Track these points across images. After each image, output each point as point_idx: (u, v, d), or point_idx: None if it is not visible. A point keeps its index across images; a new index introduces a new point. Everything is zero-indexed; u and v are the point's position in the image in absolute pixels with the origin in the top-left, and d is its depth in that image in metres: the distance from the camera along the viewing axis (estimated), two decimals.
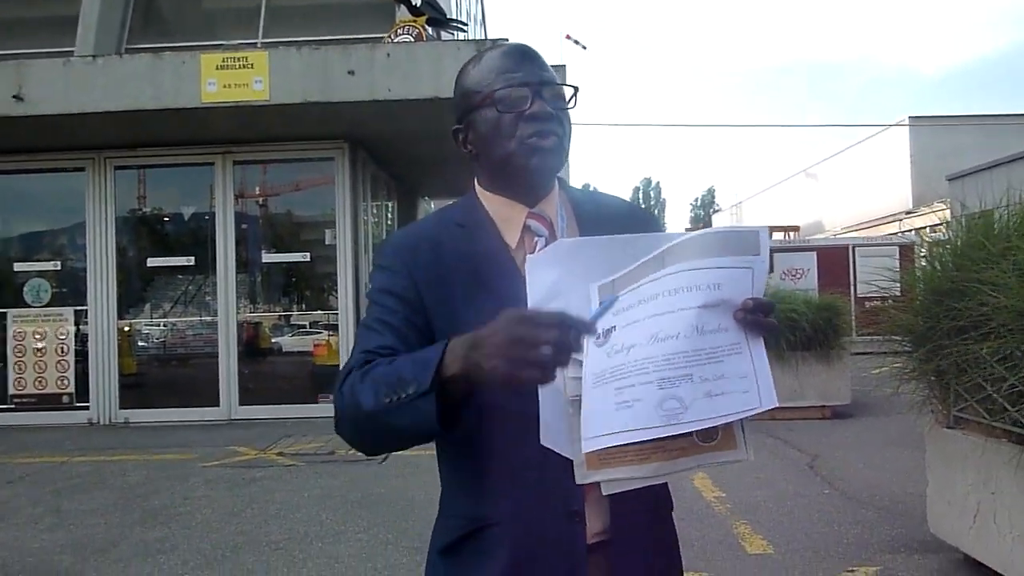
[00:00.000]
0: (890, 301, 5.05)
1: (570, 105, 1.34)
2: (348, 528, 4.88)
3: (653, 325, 1.07)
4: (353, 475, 6.16)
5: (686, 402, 1.05)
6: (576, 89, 1.35)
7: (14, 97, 8.08)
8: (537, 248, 1.30)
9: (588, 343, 1.09)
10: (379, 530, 4.80)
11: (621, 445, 1.09)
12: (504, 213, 1.34)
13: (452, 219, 1.37)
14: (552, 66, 1.38)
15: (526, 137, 1.28)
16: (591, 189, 1.59)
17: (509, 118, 1.28)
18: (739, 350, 1.09)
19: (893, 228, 21.76)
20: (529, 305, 1.15)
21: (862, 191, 26.70)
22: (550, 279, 1.15)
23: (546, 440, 1.14)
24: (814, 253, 16.36)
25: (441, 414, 1.09)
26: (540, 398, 1.13)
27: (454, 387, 1.09)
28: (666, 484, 1.40)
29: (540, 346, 1.00)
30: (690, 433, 1.10)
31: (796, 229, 23.72)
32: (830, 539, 4.46)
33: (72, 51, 9.70)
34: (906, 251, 14.33)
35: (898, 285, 5.15)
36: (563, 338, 1.02)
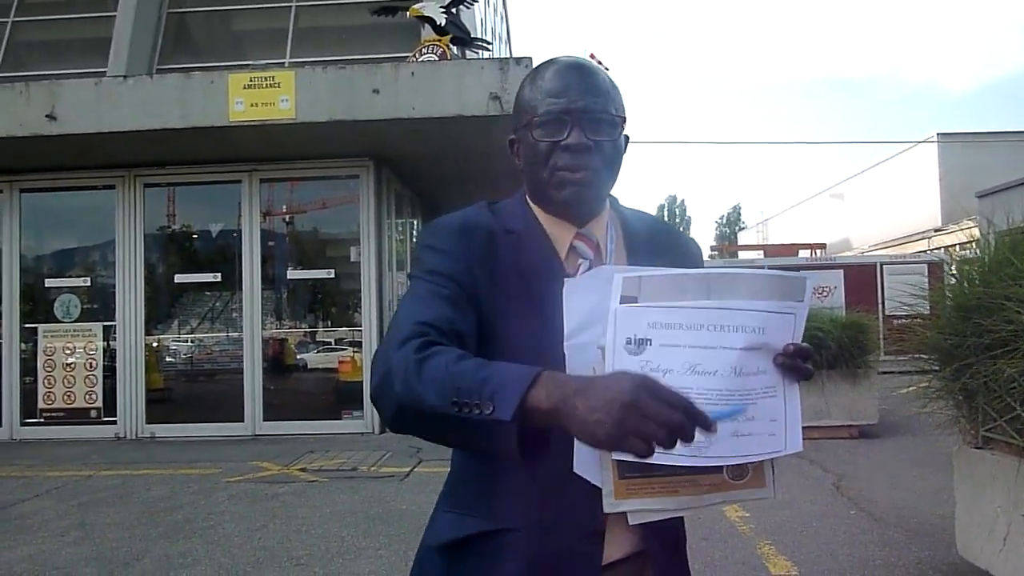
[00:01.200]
0: (918, 320, 4.98)
1: (614, 137, 1.29)
2: (369, 544, 4.88)
3: (693, 356, 1.07)
4: (375, 491, 6.17)
5: (712, 438, 1.05)
6: (623, 120, 1.31)
7: (47, 116, 8.26)
8: (580, 271, 1.29)
9: (616, 350, 1.06)
10: (400, 546, 4.79)
11: (649, 476, 1.11)
12: (554, 230, 1.33)
13: (504, 224, 1.33)
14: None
15: (558, 168, 1.27)
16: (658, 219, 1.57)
17: (545, 146, 1.27)
18: (773, 393, 1.11)
19: (922, 246, 21.51)
20: (566, 330, 1.14)
21: (890, 208, 26.45)
22: (587, 305, 1.15)
23: (579, 468, 1.14)
24: (841, 271, 16.20)
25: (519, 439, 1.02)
26: None
27: (532, 419, 1.01)
28: (681, 518, 1.40)
29: (661, 426, 0.94)
30: (721, 470, 1.14)
31: (823, 247, 23.53)
32: (856, 561, 4.38)
33: (104, 71, 9.91)
34: (935, 269, 14.16)
35: (927, 303, 5.08)
36: (683, 425, 0.95)
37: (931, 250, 18.94)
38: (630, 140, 1.41)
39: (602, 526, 1.23)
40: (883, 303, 13.71)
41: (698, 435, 1.00)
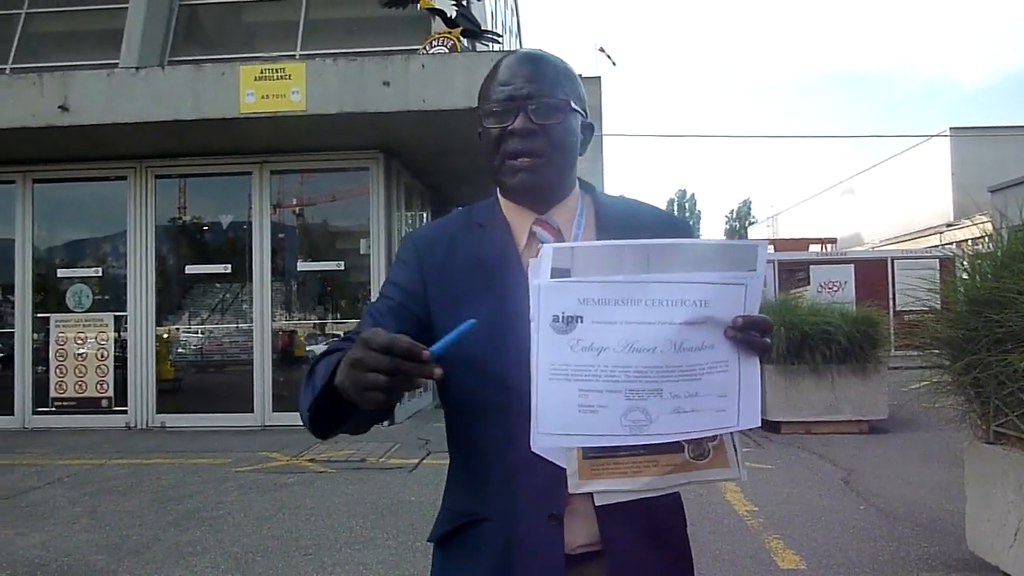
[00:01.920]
0: (929, 314, 4.96)
1: (560, 120, 1.29)
2: (377, 535, 4.90)
3: (630, 333, 1.04)
4: (383, 482, 6.19)
5: (652, 415, 1.05)
6: (569, 102, 1.31)
7: (60, 107, 8.30)
8: (540, 254, 1.30)
9: (541, 328, 1.05)
10: (408, 537, 4.81)
11: (613, 456, 1.10)
12: (515, 217, 1.36)
13: (474, 218, 1.39)
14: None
15: (508, 155, 1.29)
16: (631, 199, 1.56)
17: (495, 132, 1.30)
18: (724, 368, 1.07)
19: (933, 241, 21.39)
20: (531, 309, 1.12)
21: (902, 203, 26.32)
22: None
23: (539, 448, 1.10)
24: (851, 266, 16.16)
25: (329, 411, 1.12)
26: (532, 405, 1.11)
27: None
28: (678, 498, 1.37)
29: (373, 371, 0.99)
30: (682, 450, 1.11)
31: (833, 241, 23.45)
32: (865, 556, 4.37)
33: (116, 63, 9.94)
34: (947, 264, 14.07)
35: (938, 298, 5.05)
36: (395, 365, 0.98)
37: (943, 245, 18.83)
38: (593, 129, 1.42)
39: (560, 510, 1.23)
40: (894, 298, 13.67)
41: (638, 413, 1.03)
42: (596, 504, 1.15)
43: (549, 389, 1.05)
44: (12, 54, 10.86)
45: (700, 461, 1.12)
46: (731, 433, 1.12)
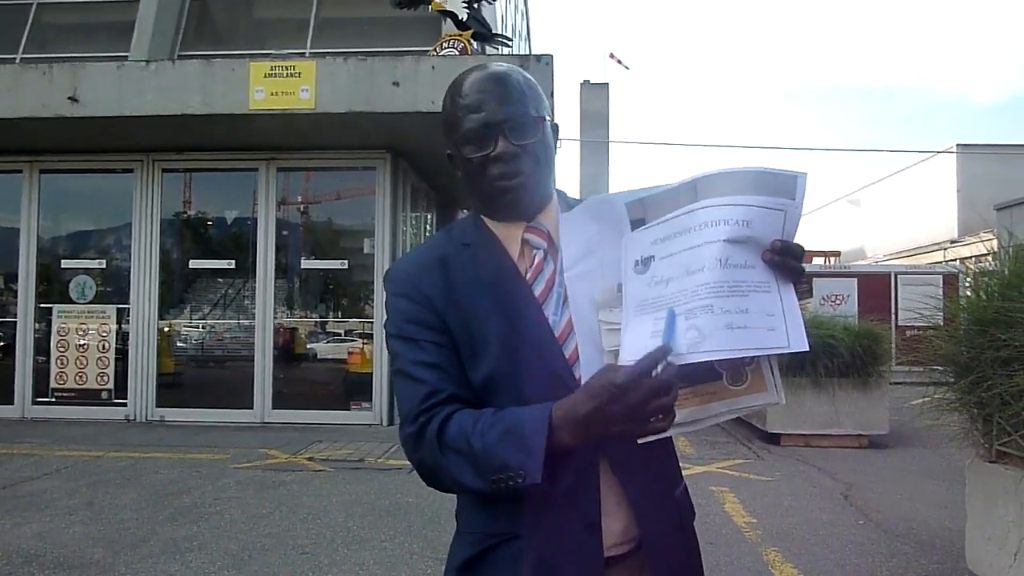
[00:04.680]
0: (933, 331, 4.95)
1: (537, 137, 1.31)
2: (374, 536, 4.89)
3: (687, 258, 1.10)
4: (381, 483, 6.18)
5: (705, 332, 1.06)
6: (543, 119, 1.33)
7: (69, 98, 8.31)
8: (535, 260, 1.32)
9: (627, 274, 1.15)
10: (405, 539, 4.80)
11: None
12: (504, 231, 1.36)
13: (457, 238, 1.38)
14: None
15: (494, 179, 1.30)
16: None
17: (477, 160, 1.30)
18: (767, 289, 1.09)
19: (937, 257, 21.36)
20: (565, 261, 1.21)
21: (906, 218, 26.28)
22: (584, 234, 1.20)
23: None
24: (855, 279, 16.12)
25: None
26: (581, 354, 1.17)
27: (554, 452, 1.13)
28: (687, 493, 1.43)
29: (657, 399, 1.04)
30: (720, 377, 1.13)
31: (837, 255, 23.42)
32: (863, 571, 4.36)
33: (127, 55, 9.95)
34: (950, 280, 14.05)
35: (941, 314, 5.05)
36: (661, 380, 1.04)
37: (947, 261, 18.81)
38: (559, 129, 1.44)
39: (597, 517, 1.24)
40: (896, 313, 13.64)
41: (693, 332, 1.06)
42: (639, 442, 1.14)
43: (632, 325, 1.12)
44: (23, 44, 10.89)
45: (738, 386, 1.13)
46: (768, 357, 1.13)
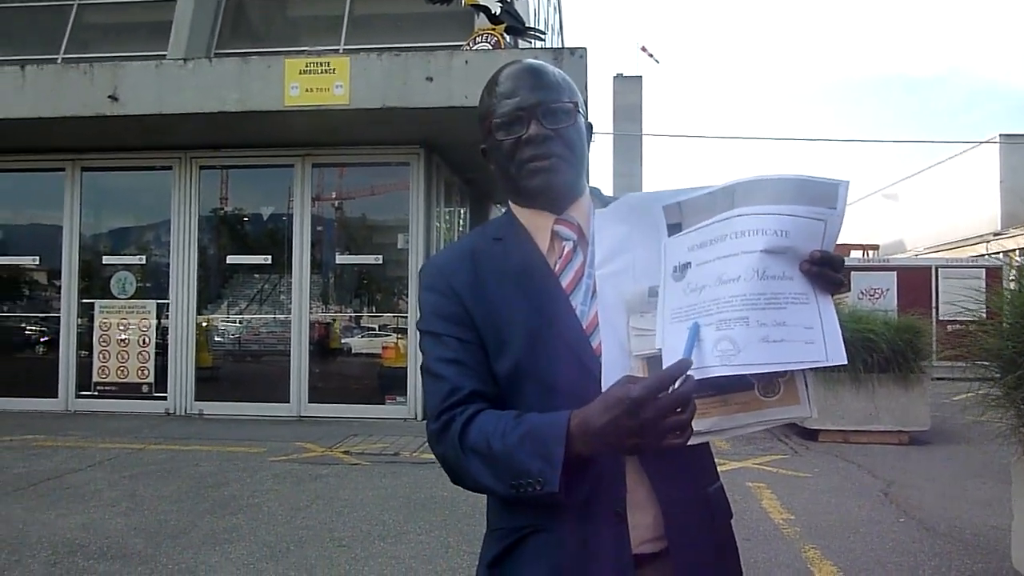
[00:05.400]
0: (975, 325, 4.84)
1: (570, 123, 1.33)
2: (410, 529, 4.91)
3: (720, 267, 1.08)
4: (417, 477, 6.21)
5: (739, 344, 1.04)
6: (575, 104, 1.35)
7: (110, 97, 8.46)
8: (564, 252, 1.32)
9: (665, 279, 1.13)
10: (440, 533, 4.82)
11: None
12: (534, 223, 1.37)
13: (490, 234, 1.40)
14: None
15: (525, 161, 1.31)
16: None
17: (509, 144, 1.32)
18: (805, 301, 1.07)
19: (980, 249, 20.92)
20: (597, 259, 1.20)
21: (947, 210, 25.75)
22: (618, 232, 1.18)
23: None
24: (894, 273, 15.84)
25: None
26: (604, 354, 1.16)
27: (571, 461, 1.13)
28: (723, 490, 1.41)
29: (673, 415, 1.03)
30: (752, 387, 1.10)
31: (876, 248, 23.04)
32: (904, 570, 4.29)
33: (165, 54, 10.09)
34: (993, 273, 13.77)
35: (984, 308, 4.94)
36: (678, 395, 1.03)
37: (990, 254, 18.42)
38: (593, 129, 1.46)
39: (623, 508, 1.24)
40: (937, 307, 13.39)
41: (726, 343, 1.04)
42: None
43: (668, 333, 1.11)
44: (64, 44, 11.09)
45: (770, 398, 1.11)
46: (802, 370, 1.11)
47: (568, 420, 1.12)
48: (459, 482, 1.27)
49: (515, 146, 1.31)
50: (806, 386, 1.11)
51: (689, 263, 1.11)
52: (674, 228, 1.15)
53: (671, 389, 1.02)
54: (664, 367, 1.08)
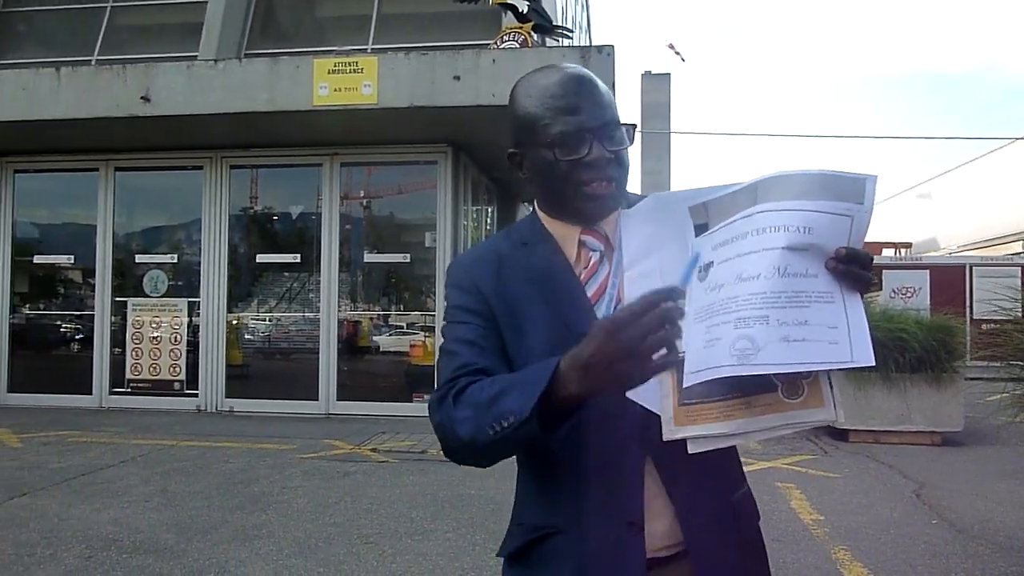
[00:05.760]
0: (1010, 324, 4.76)
1: (627, 146, 1.31)
2: (437, 527, 4.94)
3: (740, 264, 1.06)
4: (445, 474, 6.23)
5: (758, 343, 1.01)
6: (633, 127, 1.32)
7: (142, 98, 8.58)
8: (591, 263, 1.31)
9: (692, 284, 1.11)
10: (468, 530, 4.84)
11: (704, 402, 1.09)
12: (561, 231, 1.35)
13: (516, 238, 1.39)
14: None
15: (583, 184, 1.28)
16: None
17: (566, 164, 1.27)
18: (830, 299, 1.04)
19: (1015, 247, 20.54)
20: (625, 260, 1.20)
21: (982, 207, 25.31)
22: (645, 233, 1.17)
23: (634, 393, 1.11)
24: (927, 271, 15.61)
25: (544, 426, 1.11)
26: None
27: (565, 404, 1.10)
28: (750, 494, 1.39)
29: (654, 333, 1.01)
30: (775, 389, 1.07)
31: (908, 246, 22.70)
32: (936, 572, 4.22)
33: (196, 55, 10.22)
34: None
35: (1020, 307, 4.86)
36: (665, 313, 1.02)
37: None
38: (636, 129, 1.42)
39: (638, 516, 1.23)
40: (971, 306, 13.19)
41: (744, 341, 1.01)
42: (689, 451, 1.11)
43: (690, 334, 1.08)
44: (98, 46, 11.26)
45: (794, 400, 1.08)
46: (827, 372, 1.08)
47: (558, 360, 1.09)
48: (448, 450, 1.24)
49: (574, 167, 1.27)
50: (831, 388, 1.08)
51: (712, 262, 1.10)
52: (700, 228, 1.13)
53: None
54: (687, 369, 1.07)
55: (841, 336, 1.02)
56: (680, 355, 1.06)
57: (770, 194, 1.07)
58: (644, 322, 1.01)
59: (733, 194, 1.11)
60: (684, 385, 1.07)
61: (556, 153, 1.27)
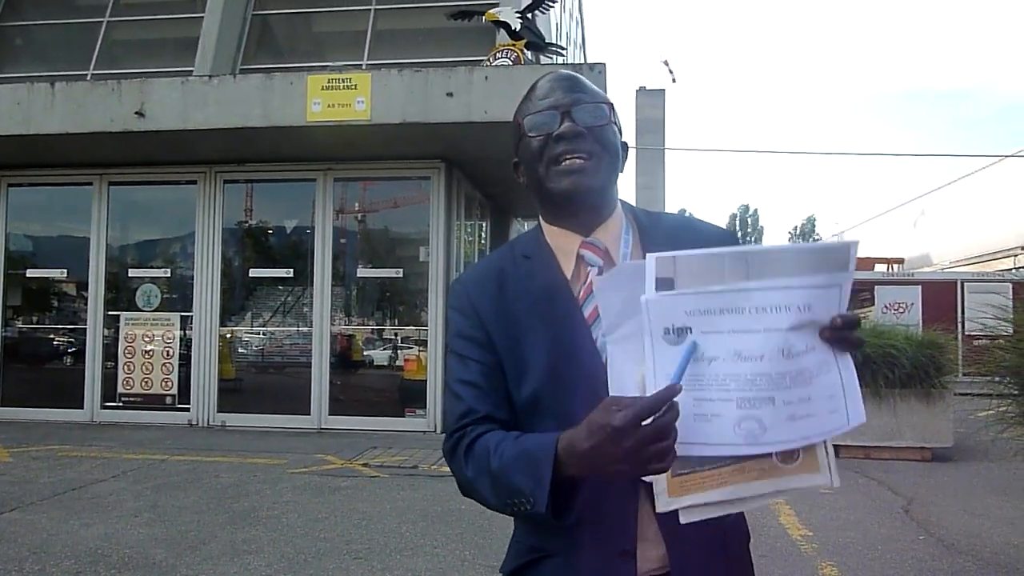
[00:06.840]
0: (999, 341, 4.80)
1: (605, 122, 1.30)
2: (427, 542, 4.94)
3: (737, 341, 1.05)
4: (435, 490, 6.24)
5: (766, 424, 1.03)
6: (610, 105, 1.33)
7: (137, 113, 8.62)
8: (590, 278, 1.30)
9: (654, 340, 1.07)
10: (457, 546, 4.84)
11: (698, 471, 1.08)
12: (562, 244, 1.35)
13: (520, 251, 1.39)
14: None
15: (555, 158, 1.28)
16: (687, 215, 1.59)
17: (538, 141, 1.29)
18: (827, 368, 1.07)
19: (1007, 264, 20.65)
20: (604, 326, 1.16)
21: (974, 224, 25.44)
22: (620, 300, 1.13)
23: None
24: (919, 287, 15.68)
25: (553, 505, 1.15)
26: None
27: (564, 481, 1.13)
28: (743, 518, 1.40)
29: (652, 444, 1.00)
30: (769, 455, 1.08)
31: (900, 261, 22.82)
32: None
33: (191, 71, 10.27)
34: (1020, 289, 13.58)
35: (1010, 324, 4.90)
36: (661, 424, 1.00)
37: (1016, 269, 18.18)
38: (629, 147, 1.42)
39: (632, 546, 1.24)
40: (963, 322, 13.23)
41: (752, 423, 1.02)
42: (682, 522, 1.12)
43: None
44: (93, 61, 11.30)
45: (789, 465, 1.09)
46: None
47: (556, 442, 1.11)
48: (468, 496, 1.29)
49: (545, 143, 1.28)
50: (827, 453, 1.10)
51: (688, 328, 1.06)
52: (664, 283, 1.08)
53: (653, 418, 1.00)
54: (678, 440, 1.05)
55: (838, 404, 1.06)
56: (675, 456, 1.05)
57: (765, 268, 1.05)
58: (644, 432, 1.00)
59: (715, 256, 1.07)
60: (679, 454, 1.05)
61: (530, 133, 1.31)
